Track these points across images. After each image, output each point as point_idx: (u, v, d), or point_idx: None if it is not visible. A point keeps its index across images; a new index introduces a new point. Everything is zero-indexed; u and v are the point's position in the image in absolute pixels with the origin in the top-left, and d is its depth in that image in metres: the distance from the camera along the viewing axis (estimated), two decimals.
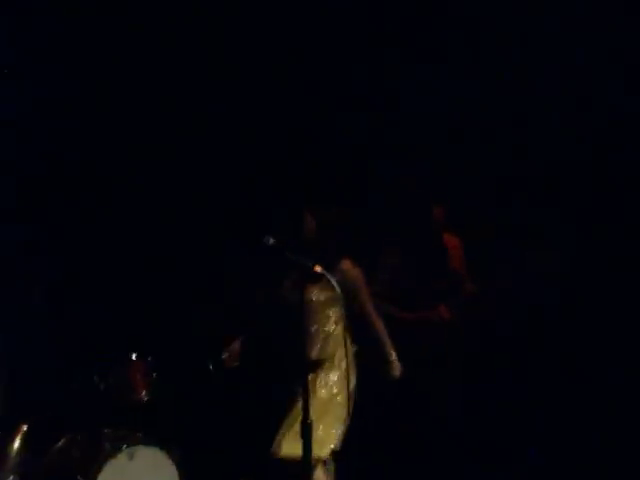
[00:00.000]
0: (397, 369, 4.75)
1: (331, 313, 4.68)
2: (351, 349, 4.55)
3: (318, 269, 4.00)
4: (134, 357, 5.17)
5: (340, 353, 4.67)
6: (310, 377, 4.35)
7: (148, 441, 5.05)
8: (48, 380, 5.20)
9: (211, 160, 5.73)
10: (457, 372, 5.45)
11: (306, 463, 3.92)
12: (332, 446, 4.60)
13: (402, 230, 5.55)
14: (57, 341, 5.24)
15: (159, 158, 5.67)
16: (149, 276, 5.37)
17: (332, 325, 4.70)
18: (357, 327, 4.63)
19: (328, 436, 4.58)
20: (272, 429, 4.59)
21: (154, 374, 5.16)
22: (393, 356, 4.74)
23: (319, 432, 4.38)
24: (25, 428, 5.02)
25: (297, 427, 4.01)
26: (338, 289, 4.01)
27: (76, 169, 5.57)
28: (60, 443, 5.15)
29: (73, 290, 5.40)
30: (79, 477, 4.96)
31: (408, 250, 5.52)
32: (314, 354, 4.66)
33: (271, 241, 4.07)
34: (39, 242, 5.33)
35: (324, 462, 4.59)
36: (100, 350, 5.22)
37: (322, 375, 4.69)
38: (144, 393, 5.13)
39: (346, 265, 4.68)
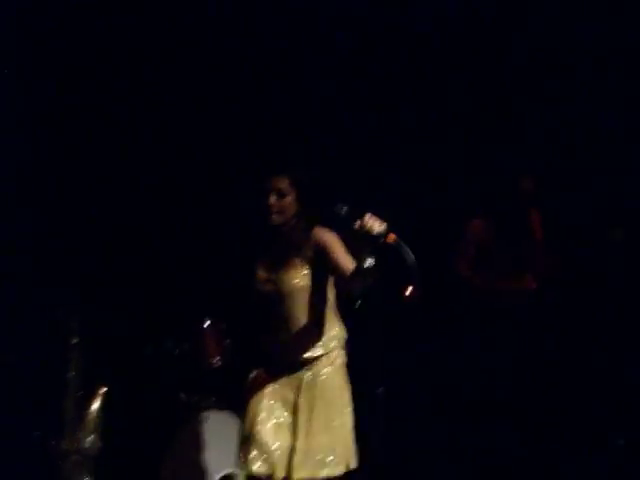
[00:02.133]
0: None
1: None
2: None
3: (392, 238, 3.74)
4: (208, 323, 5.23)
5: None
6: None
7: (221, 405, 5.14)
8: (124, 345, 5.31)
9: None
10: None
11: None
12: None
13: (489, 200, 5.63)
14: (131, 306, 5.33)
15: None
16: (222, 243, 5.37)
17: None
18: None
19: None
20: None
21: (227, 340, 5.22)
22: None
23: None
24: (104, 390, 5.13)
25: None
26: (411, 258, 3.72)
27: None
28: (137, 407, 5.28)
29: (145, 258, 5.48)
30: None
31: (494, 221, 5.59)
32: None
33: (344, 209, 3.87)
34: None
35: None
36: (174, 316, 5.29)
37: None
38: (218, 358, 5.21)
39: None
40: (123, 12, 5.52)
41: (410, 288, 4.73)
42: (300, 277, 4.09)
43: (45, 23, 5.40)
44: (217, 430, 5.12)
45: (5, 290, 5.16)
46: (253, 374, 4.22)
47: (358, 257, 3.78)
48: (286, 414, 4.12)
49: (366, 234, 3.71)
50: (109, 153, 5.54)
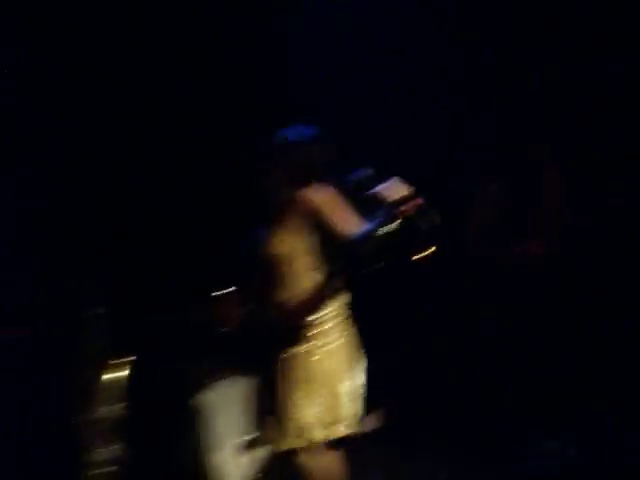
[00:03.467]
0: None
1: None
2: None
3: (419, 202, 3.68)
4: (226, 291, 5.22)
5: None
6: None
7: (239, 372, 5.17)
8: (141, 314, 5.36)
9: None
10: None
11: None
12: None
13: (502, 163, 5.57)
14: (148, 274, 5.37)
15: None
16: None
17: None
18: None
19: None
20: None
21: (242, 308, 5.20)
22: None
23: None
24: (124, 360, 5.21)
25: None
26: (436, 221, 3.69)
27: None
28: (157, 374, 5.35)
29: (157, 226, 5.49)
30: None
31: (507, 183, 5.54)
32: None
33: (369, 172, 3.87)
34: None
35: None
36: (192, 283, 5.31)
37: None
38: (232, 326, 5.21)
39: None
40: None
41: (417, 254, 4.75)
42: (280, 245, 4.01)
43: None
44: (234, 396, 5.15)
45: (25, 262, 5.21)
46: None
47: (382, 221, 3.71)
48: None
49: (384, 201, 3.68)
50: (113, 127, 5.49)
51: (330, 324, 4.04)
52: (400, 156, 5.02)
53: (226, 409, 5.13)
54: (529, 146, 5.51)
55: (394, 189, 3.68)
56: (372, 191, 3.73)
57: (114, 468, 4.88)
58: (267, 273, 4.06)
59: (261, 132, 4.30)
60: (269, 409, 4.11)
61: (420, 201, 3.66)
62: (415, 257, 4.82)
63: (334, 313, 4.06)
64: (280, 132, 4.10)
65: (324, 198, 3.92)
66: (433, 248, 3.85)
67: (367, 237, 3.74)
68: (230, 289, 5.06)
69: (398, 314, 5.72)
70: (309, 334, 4.02)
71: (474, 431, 5.42)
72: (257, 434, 4.74)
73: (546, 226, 5.39)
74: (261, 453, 5.11)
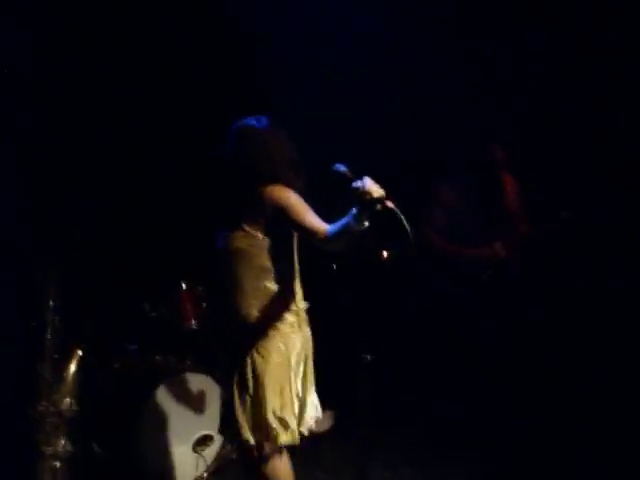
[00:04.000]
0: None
1: None
2: None
3: (390, 204, 3.63)
4: (185, 286, 5.32)
5: None
6: None
7: (197, 368, 5.22)
8: (100, 307, 5.18)
9: None
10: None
11: None
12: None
13: (462, 166, 5.65)
14: (108, 269, 5.23)
15: None
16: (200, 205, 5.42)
17: None
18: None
19: None
20: None
21: (204, 304, 5.34)
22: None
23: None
24: (80, 353, 4.95)
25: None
26: (406, 225, 3.64)
27: None
28: (112, 368, 5.15)
29: (121, 221, 5.41)
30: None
31: (466, 187, 5.59)
32: None
33: (343, 169, 3.78)
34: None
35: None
36: (151, 279, 5.29)
37: None
38: (194, 322, 5.30)
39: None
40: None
41: (386, 252, 5.40)
42: (240, 239, 3.96)
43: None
44: (194, 392, 5.16)
45: None
46: None
47: (355, 219, 3.65)
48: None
49: (365, 197, 3.59)
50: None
51: (290, 325, 4.03)
52: (364, 156, 4.67)
53: (183, 405, 5.08)
54: (486, 146, 5.56)
55: (370, 187, 3.60)
56: (352, 186, 3.64)
57: (66, 463, 4.59)
58: (227, 270, 3.97)
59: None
60: (231, 405, 3.99)
61: (391, 202, 3.63)
62: (384, 255, 5.51)
63: (294, 314, 4.04)
64: (237, 122, 4.07)
65: (289, 196, 3.91)
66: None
67: (339, 235, 3.70)
68: (190, 284, 5.27)
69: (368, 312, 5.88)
70: (269, 334, 3.97)
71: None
72: (214, 431, 4.92)
73: (507, 228, 5.57)
74: (216, 450, 5.16)
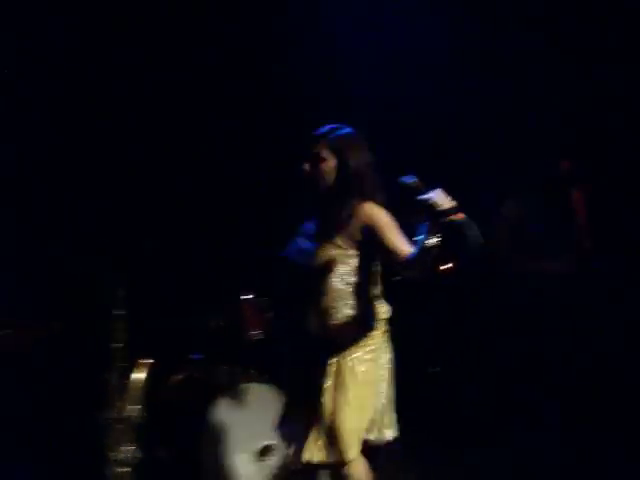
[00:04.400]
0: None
1: None
2: None
3: (460, 217, 3.60)
4: (249, 296, 5.37)
5: None
6: None
7: (261, 378, 5.27)
8: (167, 317, 5.27)
9: None
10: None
11: None
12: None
13: (528, 180, 5.69)
14: (174, 279, 5.32)
15: None
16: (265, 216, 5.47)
17: None
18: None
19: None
20: None
21: (269, 313, 5.39)
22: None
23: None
24: (149, 361, 5.03)
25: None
26: (477, 238, 3.59)
27: None
28: (178, 379, 5.23)
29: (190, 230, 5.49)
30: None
31: (533, 200, 5.64)
32: None
33: (412, 181, 3.74)
34: None
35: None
36: (217, 288, 5.36)
37: None
38: (258, 331, 5.35)
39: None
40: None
41: (448, 265, 5.39)
42: (337, 253, 3.93)
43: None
44: (256, 402, 5.21)
45: (53, 260, 4.95)
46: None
47: (424, 235, 3.64)
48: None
49: (435, 209, 3.57)
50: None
51: (376, 337, 3.99)
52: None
53: (246, 415, 5.13)
54: (560, 164, 5.59)
55: (440, 199, 3.58)
56: (421, 198, 3.62)
57: (133, 469, 4.67)
58: (315, 281, 3.95)
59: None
60: (304, 418, 3.96)
61: (463, 215, 3.59)
62: (442, 267, 5.53)
63: (380, 326, 4.01)
64: (322, 128, 3.96)
65: (383, 216, 3.87)
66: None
67: (418, 255, 3.66)
68: (255, 294, 5.32)
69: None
70: (357, 345, 3.94)
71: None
72: (276, 441, 4.95)
73: (577, 242, 5.61)
74: (278, 460, 5.19)
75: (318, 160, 3.90)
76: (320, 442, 3.89)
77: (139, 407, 4.80)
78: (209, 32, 5.84)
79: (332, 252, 3.93)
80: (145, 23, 5.63)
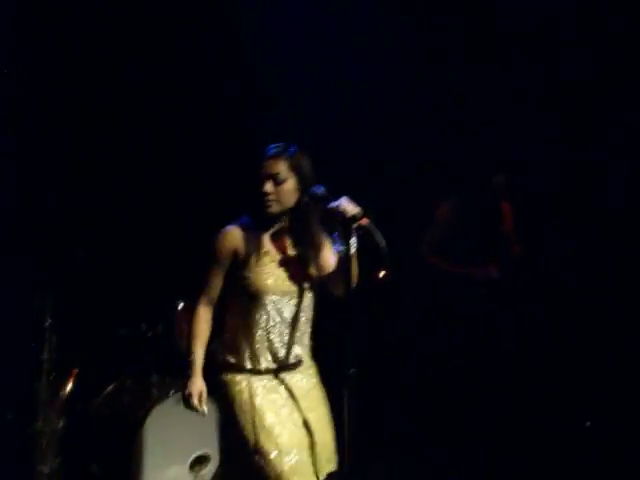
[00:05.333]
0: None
1: None
2: None
3: (365, 222, 3.66)
4: (181, 305, 5.33)
5: None
6: None
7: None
8: (97, 327, 5.20)
9: None
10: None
11: None
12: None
13: (462, 189, 5.79)
14: (104, 289, 5.25)
15: None
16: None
17: None
18: None
19: None
20: None
21: None
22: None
23: None
24: (77, 372, 4.98)
25: None
26: (382, 241, 3.63)
27: None
28: (109, 388, 5.16)
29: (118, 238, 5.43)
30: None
31: (465, 208, 5.75)
32: None
33: (321, 190, 3.78)
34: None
35: None
36: (148, 298, 5.31)
37: None
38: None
39: None
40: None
41: (382, 272, 5.41)
42: (313, 275, 3.92)
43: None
44: (189, 411, 5.14)
45: None
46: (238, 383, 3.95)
47: (339, 243, 3.76)
48: (295, 415, 3.94)
49: (341, 215, 3.63)
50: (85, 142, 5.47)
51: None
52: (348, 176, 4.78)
53: (179, 425, 5.08)
54: (494, 177, 5.72)
55: (346, 206, 3.63)
56: (330, 206, 3.68)
57: None
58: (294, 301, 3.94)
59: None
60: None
61: (367, 219, 3.63)
62: (380, 276, 5.53)
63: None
64: (273, 147, 3.87)
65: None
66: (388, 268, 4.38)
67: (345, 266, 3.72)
68: (187, 303, 5.27)
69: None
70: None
71: None
72: (211, 450, 4.92)
73: (501, 250, 5.76)
74: (213, 469, 5.15)
75: (279, 180, 3.80)
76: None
77: (68, 419, 4.73)
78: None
79: (310, 275, 3.93)
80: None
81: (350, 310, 4.54)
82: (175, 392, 5.14)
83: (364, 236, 3.69)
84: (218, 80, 6.00)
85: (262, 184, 3.79)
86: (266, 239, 3.90)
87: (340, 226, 3.69)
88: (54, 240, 5.09)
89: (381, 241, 3.62)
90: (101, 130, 5.59)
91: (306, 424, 3.92)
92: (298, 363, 3.97)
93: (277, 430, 3.85)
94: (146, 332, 5.22)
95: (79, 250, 4.98)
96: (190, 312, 5.02)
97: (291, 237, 3.93)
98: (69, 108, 5.48)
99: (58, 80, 5.45)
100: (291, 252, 3.93)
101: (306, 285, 3.92)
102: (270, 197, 3.79)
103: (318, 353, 4.06)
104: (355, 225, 3.63)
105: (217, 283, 3.90)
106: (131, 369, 5.26)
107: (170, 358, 5.27)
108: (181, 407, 4.97)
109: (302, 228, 3.89)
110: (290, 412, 3.92)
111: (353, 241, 3.69)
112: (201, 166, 5.77)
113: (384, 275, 5.49)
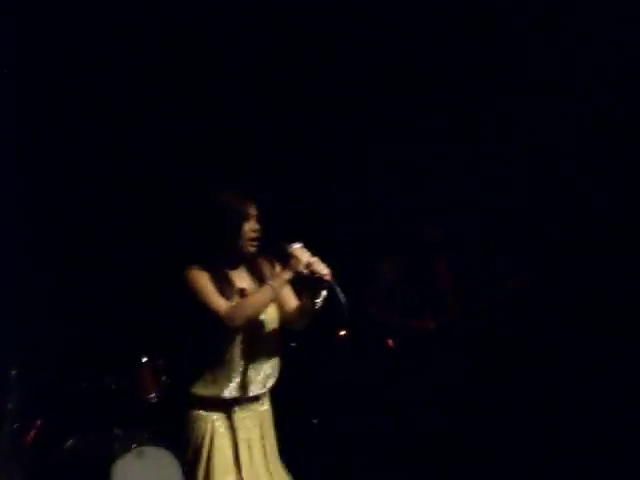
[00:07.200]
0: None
1: None
2: None
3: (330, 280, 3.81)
4: (145, 359, 5.36)
5: None
6: None
7: (156, 441, 5.23)
8: (61, 379, 5.22)
9: None
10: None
11: None
12: None
13: (402, 245, 5.83)
14: (69, 342, 5.28)
15: None
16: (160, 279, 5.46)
17: None
18: None
19: None
20: None
21: (164, 377, 5.38)
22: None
23: None
24: (39, 423, 4.98)
25: None
26: (344, 299, 3.75)
27: None
28: (71, 441, 5.15)
29: (82, 293, 5.47)
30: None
31: (405, 264, 5.77)
32: None
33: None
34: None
35: None
36: (112, 352, 5.34)
37: None
38: (154, 395, 5.33)
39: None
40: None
41: (342, 330, 5.55)
42: (277, 309, 4.00)
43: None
44: (152, 465, 5.16)
45: None
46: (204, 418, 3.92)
47: (310, 296, 3.84)
48: (255, 452, 3.96)
49: (314, 275, 3.76)
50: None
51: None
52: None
53: (145, 477, 5.08)
54: (423, 227, 5.76)
55: (300, 253, 3.77)
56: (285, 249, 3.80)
57: None
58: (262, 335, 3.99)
59: None
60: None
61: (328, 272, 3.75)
62: (341, 332, 5.66)
63: None
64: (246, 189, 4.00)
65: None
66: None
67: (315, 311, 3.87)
68: (151, 357, 5.33)
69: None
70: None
71: None
72: None
73: (439, 303, 5.74)
74: None
75: (260, 221, 3.92)
76: None
77: (31, 469, 4.72)
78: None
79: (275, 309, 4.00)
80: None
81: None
82: (137, 446, 5.13)
83: (328, 293, 3.80)
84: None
85: (254, 224, 3.88)
86: (235, 276, 3.94)
87: (309, 282, 3.80)
88: (20, 290, 5.09)
89: (342, 299, 3.73)
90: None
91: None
92: (262, 395, 4.00)
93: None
94: (110, 385, 5.21)
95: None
96: (155, 365, 5.14)
97: (253, 275, 3.99)
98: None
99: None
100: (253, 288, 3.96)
101: (272, 319, 3.96)
102: (259, 236, 3.90)
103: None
104: (306, 272, 3.76)
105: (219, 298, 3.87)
106: (94, 421, 5.23)
107: (133, 412, 5.28)
108: (144, 461, 5.04)
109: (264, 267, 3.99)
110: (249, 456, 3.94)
111: (322, 295, 3.81)
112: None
113: (345, 333, 5.62)
